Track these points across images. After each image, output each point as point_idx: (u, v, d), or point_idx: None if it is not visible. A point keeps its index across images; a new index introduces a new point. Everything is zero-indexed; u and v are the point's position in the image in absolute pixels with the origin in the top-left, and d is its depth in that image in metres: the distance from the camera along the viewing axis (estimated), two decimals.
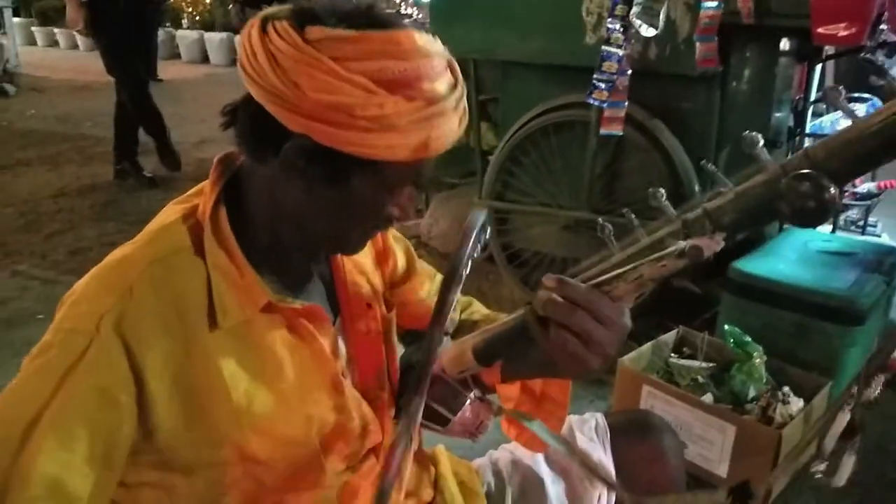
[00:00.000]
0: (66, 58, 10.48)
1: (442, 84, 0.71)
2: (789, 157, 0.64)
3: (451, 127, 0.72)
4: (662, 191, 0.71)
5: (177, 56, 10.46)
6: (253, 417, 0.76)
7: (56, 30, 11.72)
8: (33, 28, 12.11)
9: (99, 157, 4.78)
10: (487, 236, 0.86)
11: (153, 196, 4.05)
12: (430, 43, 0.71)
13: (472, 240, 0.79)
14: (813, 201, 0.57)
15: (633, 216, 0.75)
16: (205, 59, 10.25)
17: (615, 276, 0.70)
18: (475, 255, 0.82)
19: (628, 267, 0.68)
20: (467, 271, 0.79)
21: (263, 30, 0.69)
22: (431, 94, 0.70)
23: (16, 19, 8.85)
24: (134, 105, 4.16)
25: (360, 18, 0.69)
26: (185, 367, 0.73)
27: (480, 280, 2.96)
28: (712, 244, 0.63)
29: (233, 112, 0.75)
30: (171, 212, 0.80)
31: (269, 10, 0.72)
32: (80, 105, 6.68)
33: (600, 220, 0.75)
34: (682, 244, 0.64)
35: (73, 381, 0.68)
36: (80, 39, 10.36)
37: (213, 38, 10.11)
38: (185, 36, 10.45)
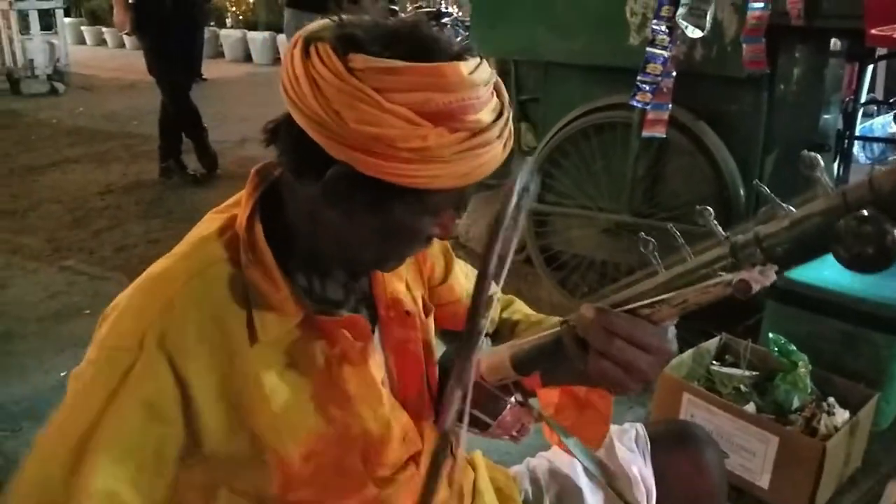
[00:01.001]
0: (114, 56, 10.74)
1: (486, 114, 0.70)
2: (842, 177, 0.61)
3: (494, 154, 0.71)
4: (710, 210, 0.68)
5: (220, 55, 10.63)
6: (292, 429, 0.76)
7: (104, 29, 12.02)
8: (82, 27, 12.44)
9: (145, 154, 4.88)
10: (532, 190, 0.82)
11: (197, 193, 4.13)
12: (475, 72, 0.69)
13: (514, 198, 0.76)
14: (872, 247, 0.53)
15: (677, 233, 0.72)
16: (247, 58, 10.39)
17: (658, 301, 0.68)
18: (520, 216, 0.78)
19: (673, 294, 0.66)
20: (514, 243, 0.74)
21: (306, 53, 0.68)
22: (476, 125, 0.68)
23: (66, 19, 9.07)
24: (172, 106, 4.25)
25: (404, 45, 0.68)
26: (229, 377, 0.74)
27: (519, 282, 2.95)
28: (762, 279, 0.60)
29: (274, 130, 0.75)
30: (209, 222, 0.80)
31: (310, 27, 0.71)
32: (127, 103, 6.85)
33: (642, 234, 0.73)
34: (729, 277, 0.61)
35: (121, 397, 0.69)
36: (126, 38, 10.58)
37: (256, 37, 10.24)
38: (229, 35, 10.61)
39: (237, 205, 0.81)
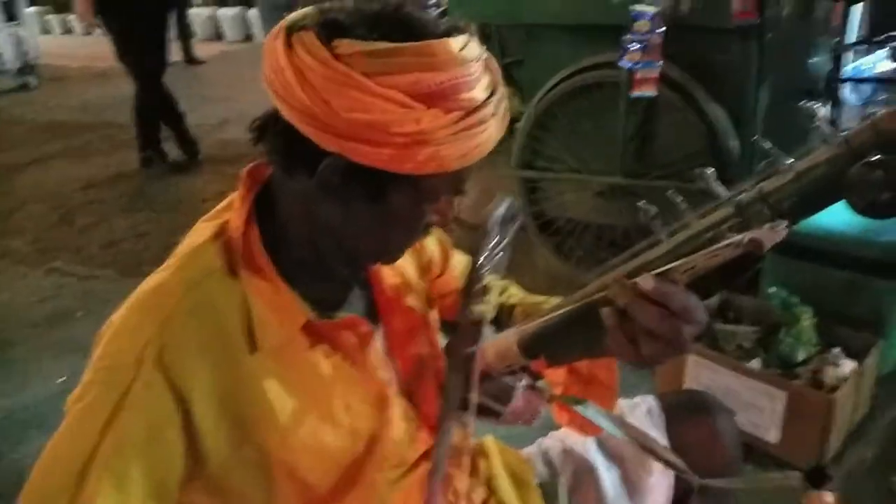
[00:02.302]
0: (83, 44, 10.48)
1: (480, 91, 0.67)
2: (844, 125, 0.58)
3: (490, 133, 0.68)
4: (711, 170, 0.66)
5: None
6: (300, 437, 0.75)
7: (71, 16, 11.72)
8: (48, 16, 12.14)
9: (125, 144, 4.79)
10: (516, 224, 0.81)
11: (181, 181, 4.07)
12: (466, 49, 0.66)
13: (493, 235, 0.75)
14: (888, 192, 0.51)
15: (679, 198, 0.69)
16: (218, 36, 10.18)
17: (668, 269, 0.65)
18: (505, 246, 0.77)
19: (682, 261, 0.64)
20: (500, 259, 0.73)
21: (288, 43, 0.65)
22: (470, 104, 0.66)
23: (31, 9, 8.83)
24: (145, 95, 4.11)
25: (389, 26, 0.65)
26: (230, 390, 0.71)
27: (512, 250, 2.92)
28: (773, 235, 0.57)
29: (261, 127, 0.72)
30: (200, 231, 0.77)
31: (291, 16, 0.68)
32: (101, 92, 6.70)
33: (643, 203, 0.70)
34: (739, 237, 0.58)
35: (121, 420, 0.67)
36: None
37: (226, 14, 10.02)
38: (199, 13, 10.37)
39: (227, 209, 0.78)
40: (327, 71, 0.63)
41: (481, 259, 0.72)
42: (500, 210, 0.77)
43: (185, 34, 8.01)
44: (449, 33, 0.66)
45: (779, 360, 1.85)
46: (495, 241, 0.74)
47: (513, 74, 2.81)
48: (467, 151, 0.67)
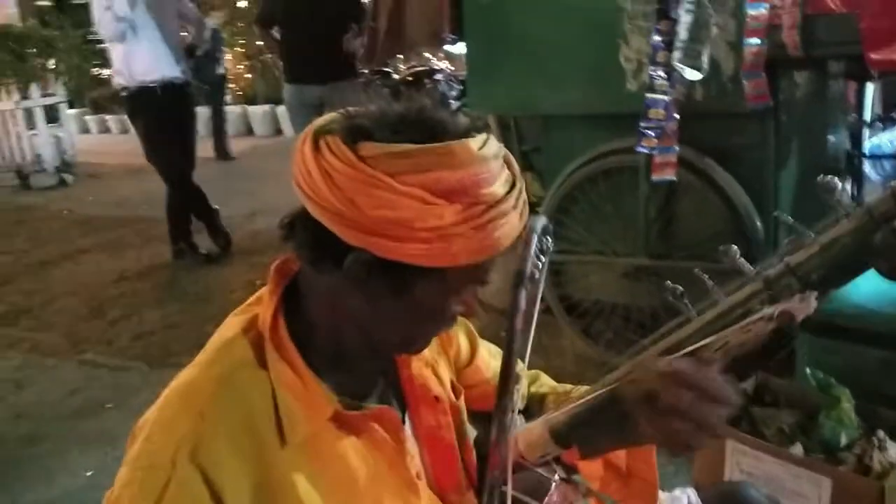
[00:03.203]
0: (119, 142, 10.92)
1: (500, 186, 0.69)
2: (860, 194, 0.59)
3: (512, 225, 0.70)
4: (735, 248, 0.66)
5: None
6: None
7: (107, 117, 12.28)
8: (86, 117, 12.73)
9: (157, 238, 4.90)
10: (551, 244, 0.81)
11: (212, 273, 4.13)
12: (485, 147, 0.69)
13: (532, 249, 0.75)
14: None
15: (706, 276, 0.70)
16: (249, 131, 10.58)
17: (700, 347, 0.65)
18: (541, 272, 0.76)
19: (714, 337, 0.63)
20: (537, 306, 0.73)
21: (316, 147, 0.69)
22: (490, 198, 0.68)
23: (70, 111, 9.28)
24: (175, 191, 4.23)
25: (412, 128, 0.68)
26: (262, 485, 0.71)
27: (540, 333, 2.88)
28: (804, 307, 0.58)
29: (290, 224, 0.75)
30: (231, 325, 0.79)
31: (318, 122, 0.71)
32: (135, 187, 6.92)
33: (668, 283, 0.70)
34: (769, 310, 0.59)
35: None
36: (130, 124, 10.82)
37: (257, 111, 10.44)
38: (230, 111, 10.82)
39: (257, 303, 0.80)
40: (353, 172, 0.66)
41: (523, 267, 0.72)
42: (538, 223, 0.76)
43: (220, 130, 8.32)
44: (468, 133, 0.69)
45: (821, 444, 1.78)
46: (533, 252, 0.74)
47: (531, 161, 2.87)
48: (490, 244, 0.69)
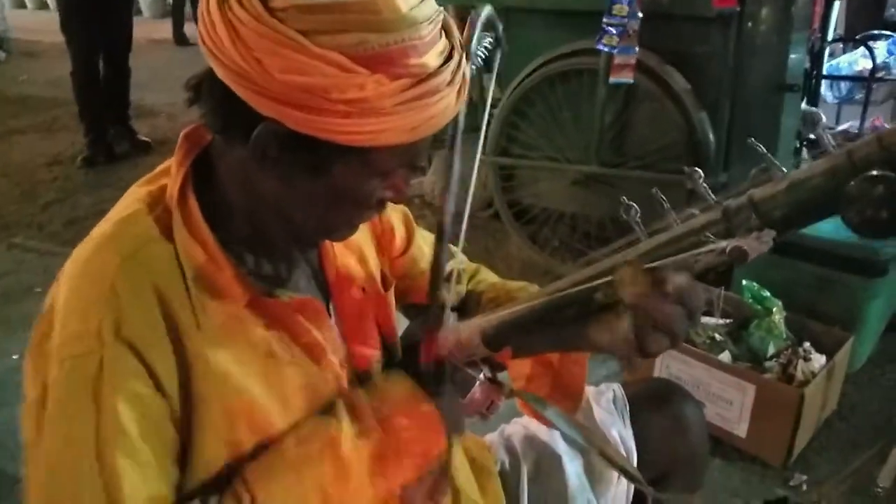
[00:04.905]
0: (56, 19, 10.25)
1: (433, 57, 0.61)
2: (842, 140, 0.55)
3: (446, 104, 0.63)
4: (699, 171, 0.61)
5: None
6: (248, 417, 0.70)
7: None
8: None
9: None
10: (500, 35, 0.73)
11: (150, 159, 3.95)
12: (417, 8, 0.60)
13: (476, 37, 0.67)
14: (887, 211, 0.47)
15: (663, 198, 0.65)
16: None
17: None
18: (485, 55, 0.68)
19: (659, 263, 0.59)
20: (469, 197, 0.66)
21: None
22: (420, 70, 0.60)
23: None
24: (76, 73, 3.84)
25: None
26: (182, 364, 0.67)
27: (487, 238, 2.89)
28: (759, 246, 0.54)
29: (197, 87, 0.66)
30: (134, 196, 0.71)
31: None
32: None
33: (624, 199, 0.65)
34: (723, 244, 0.55)
35: (106, 400, 0.63)
36: None
37: None
38: None
39: (165, 174, 0.72)
40: (260, 26, 0.57)
41: (457, 121, 0.64)
42: (482, 15, 0.69)
43: (179, 11, 7.66)
44: None
45: (749, 353, 1.84)
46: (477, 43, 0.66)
47: None
48: (419, 123, 0.62)
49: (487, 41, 0.69)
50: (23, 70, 6.71)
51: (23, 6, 11.74)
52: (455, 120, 0.69)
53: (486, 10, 0.66)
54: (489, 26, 0.68)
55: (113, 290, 0.64)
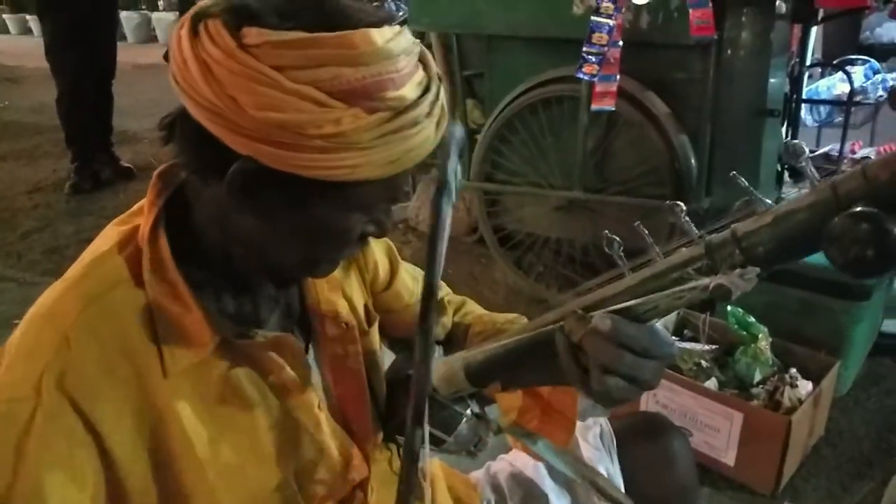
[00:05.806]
0: (40, 45, 10.19)
1: (410, 88, 0.60)
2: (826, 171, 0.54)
3: (425, 136, 0.62)
4: (682, 205, 0.60)
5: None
6: (220, 469, 0.67)
7: (28, 17, 11.41)
8: (4, 16, 11.82)
9: None
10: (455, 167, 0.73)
11: (132, 187, 3.92)
12: (392, 41, 0.59)
13: (453, 154, 0.67)
14: (872, 250, 0.45)
15: (646, 232, 0.64)
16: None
17: (627, 308, 0.60)
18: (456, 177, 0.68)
19: (642, 300, 0.59)
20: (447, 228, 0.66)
21: (194, 32, 0.58)
22: (398, 103, 0.59)
23: None
24: (61, 98, 3.80)
25: (306, 14, 0.58)
26: (144, 414, 0.64)
27: (472, 264, 2.87)
28: (743, 284, 0.52)
29: (170, 125, 0.65)
30: (107, 237, 0.69)
31: (201, 2, 0.60)
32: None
33: (607, 233, 0.64)
34: (706, 281, 0.54)
35: (29, 457, 0.59)
36: None
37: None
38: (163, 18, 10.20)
39: (140, 213, 0.70)
40: (233, 63, 0.56)
41: (444, 178, 0.63)
42: (456, 133, 0.67)
43: None
44: (373, 24, 0.59)
45: (735, 379, 1.83)
46: (452, 162, 0.65)
47: (474, 87, 2.78)
48: (398, 156, 0.60)
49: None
50: (4, 96, 6.66)
51: (5, 31, 11.71)
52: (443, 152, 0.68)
53: (460, 131, 0.66)
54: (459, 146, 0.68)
55: (65, 340, 0.61)
